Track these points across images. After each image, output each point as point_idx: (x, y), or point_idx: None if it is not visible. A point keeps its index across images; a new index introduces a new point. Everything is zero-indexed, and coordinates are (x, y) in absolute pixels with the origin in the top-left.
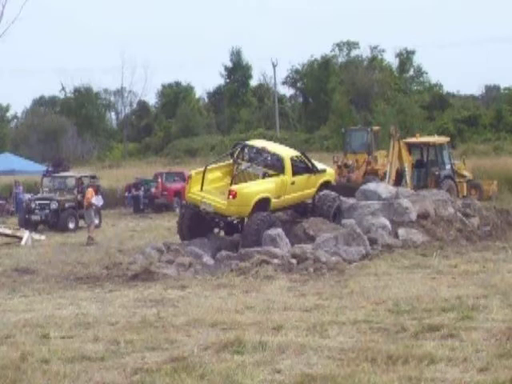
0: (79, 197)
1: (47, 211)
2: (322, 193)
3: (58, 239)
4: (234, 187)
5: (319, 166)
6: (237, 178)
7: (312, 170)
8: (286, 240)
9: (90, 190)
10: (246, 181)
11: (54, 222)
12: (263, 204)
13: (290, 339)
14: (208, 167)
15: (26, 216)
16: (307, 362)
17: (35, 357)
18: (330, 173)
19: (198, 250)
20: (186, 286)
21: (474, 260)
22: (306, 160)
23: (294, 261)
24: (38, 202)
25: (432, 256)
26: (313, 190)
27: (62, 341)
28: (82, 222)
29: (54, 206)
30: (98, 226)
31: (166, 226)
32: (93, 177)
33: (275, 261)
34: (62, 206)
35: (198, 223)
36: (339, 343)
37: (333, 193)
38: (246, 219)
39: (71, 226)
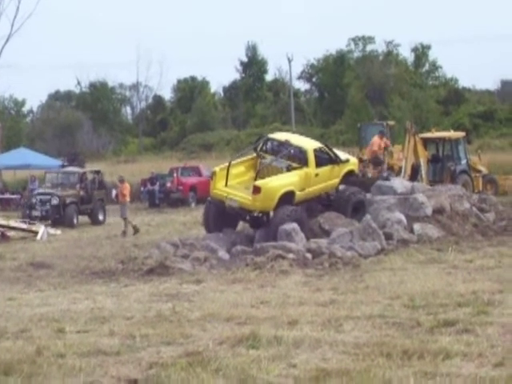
0: (82, 192)
1: (48, 207)
2: (340, 187)
3: (74, 234)
4: (258, 182)
5: (342, 155)
6: (261, 172)
7: (335, 161)
8: (301, 235)
9: (126, 186)
10: (269, 174)
11: (56, 217)
12: (288, 197)
13: (305, 334)
14: (232, 162)
15: (27, 211)
16: (322, 357)
17: (51, 351)
18: (353, 162)
19: (214, 245)
20: (201, 280)
21: (490, 255)
22: (328, 151)
23: (309, 255)
24: (39, 198)
25: (447, 251)
26: (336, 181)
27: (78, 335)
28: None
29: (54, 201)
30: (102, 222)
31: (181, 220)
32: (97, 172)
33: (290, 255)
34: (64, 202)
35: (224, 217)
36: (354, 338)
37: (352, 188)
38: (271, 213)
39: (75, 221)
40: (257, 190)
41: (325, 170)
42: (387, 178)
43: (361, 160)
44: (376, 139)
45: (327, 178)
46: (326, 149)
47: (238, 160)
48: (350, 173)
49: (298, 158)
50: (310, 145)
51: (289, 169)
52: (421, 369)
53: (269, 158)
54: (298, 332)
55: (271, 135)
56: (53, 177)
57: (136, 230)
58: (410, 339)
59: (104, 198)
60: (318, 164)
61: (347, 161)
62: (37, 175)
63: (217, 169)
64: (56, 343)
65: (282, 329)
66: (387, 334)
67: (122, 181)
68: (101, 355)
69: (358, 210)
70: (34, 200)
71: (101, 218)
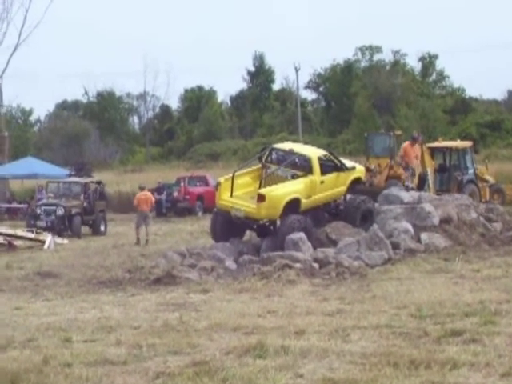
0: (85, 203)
1: (53, 217)
2: (348, 196)
3: (81, 243)
4: (262, 190)
5: (348, 163)
6: (266, 181)
7: (341, 168)
8: (308, 244)
9: (150, 196)
10: (274, 183)
11: (61, 228)
12: (293, 205)
13: (312, 343)
14: (236, 173)
15: (32, 222)
16: (329, 367)
17: (58, 360)
18: (359, 170)
19: (221, 254)
20: (208, 290)
21: (497, 265)
22: (333, 158)
23: (316, 265)
24: (43, 208)
25: (454, 261)
26: (343, 188)
27: (85, 344)
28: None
29: (60, 212)
30: (104, 233)
31: (188, 230)
32: (98, 182)
33: (297, 265)
34: (69, 212)
35: (231, 227)
36: (361, 348)
37: (361, 197)
38: (278, 221)
39: (81, 232)
40: (261, 198)
41: (330, 177)
42: (411, 189)
43: (368, 169)
44: (407, 145)
45: (333, 186)
46: (331, 156)
47: (243, 170)
48: (357, 180)
49: (303, 166)
50: (313, 153)
51: (293, 177)
52: (428, 379)
53: (273, 168)
54: (304, 342)
55: (276, 145)
56: (55, 187)
57: (137, 242)
58: (417, 349)
59: (105, 209)
60: (323, 171)
61: (353, 168)
62: (44, 185)
63: (221, 179)
64: (63, 352)
65: (289, 338)
66: (394, 343)
67: (142, 188)
68: (107, 365)
69: (366, 218)
70: (38, 210)
71: (102, 228)
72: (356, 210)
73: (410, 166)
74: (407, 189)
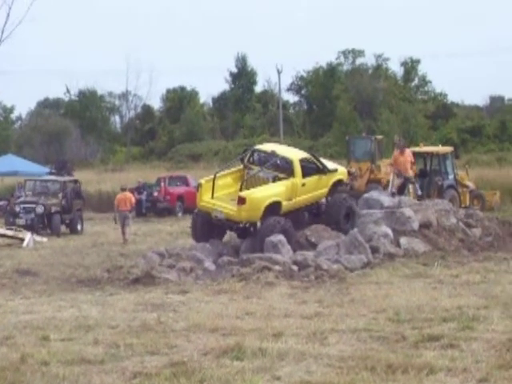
0: (63, 202)
1: (32, 215)
2: (332, 194)
3: (60, 242)
4: (243, 193)
5: (330, 165)
6: (247, 183)
7: (322, 171)
8: (287, 247)
9: (131, 196)
10: (256, 185)
11: (40, 226)
12: (274, 208)
13: (289, 346)
14: (218, 174)
15: (11, 219)
16: (307, 370)
17: (35, 359)
18: (341, 172)
19: (200, 255)
20: (186, 290)
21: (476, 270)
22: (315, 161)
23: (295, 268)
24: (23, 206)
25: (433, 265)
26: (325, 191)
27: (62, 343)
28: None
29: (39, 210)
30: (80, 232)
31: (168, 230)
32: (75, 181)
33: (276, 267)
34: (49, 211)
35: (211, 228)
36: (339, 351)
37: (343, 195)
38: (258, 223)
39: (60, 230)
40: (242, 200)
41: (312, 179)
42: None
43: (349, 173)
44: (396, 154)
45: (315, 188)
46: (313, 158)
47: (225, 172)
48: (339, 182)
49: (285, 168)
50: (295, 155)
51: (275, 179)
52: (405, 383)
53: (255, 169)
54: (282, 344)
55: (257, 146)
56: (33, 185)
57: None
58: (394, 353)
59: (81, 208)
60: (305, 174)
61: (335, 170)
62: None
63: (202, 181)
64: (40, 351)
65: (267, 341)
66: (372, 347)
67: (123, 189)
68: (85, 364)
69: (348, 216)
70: (18, 208)
71: (79, 227)
72: (338, 209)
73: (403, 174)
74: (393, 195)
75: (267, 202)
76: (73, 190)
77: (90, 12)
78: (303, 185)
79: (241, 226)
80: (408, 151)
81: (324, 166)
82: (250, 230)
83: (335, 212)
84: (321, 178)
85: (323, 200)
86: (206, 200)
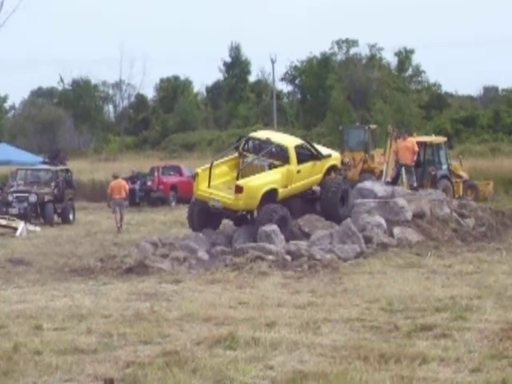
0: (55, 191)
1: (25, 204)
2: (326, 179)
3: (53, 231)
4: (240, 182)
5: (324, 151)
6: (243, 171)
7: (317, 157)
8: (281, 236)
9: (125, 183)
10: (252, 173)
11: (33, 215)
12: (271, 195)
13: (282, 336)
14: (214, 163)
15: (4, 209)
16: (299, 359)
17: (28, 348)
18: (335, 157)
19: (193, 245)
20: (180, 280)
21: (469, 260)
22: (310, 147)
23: (288, 257)
24: (15, 195)
25: (427, 256)
26: (319, 176)
27: (55, 332)
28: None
29: (32, 199)
30: (72, 222)
31: (161, 219)
32: (66, 170)
33: (270, 257)
34: (42, 200)
35: (208, 217)
36: (332, 341)
37: (338, 177)
38: (255, 211)
39: (54, 219)
40: (239, 189)
41: (307, 166)
42: (416, 189)
43: (342, 163)
44: (398, 142)
45: (310, 174)
46: (307, 145)
47: (221, 160)
48: (333, 168)
49: (280, 155)
50: (290, 142)
51: (271, 167)
52: (398, 373)
53: (251, 157)
54: (275, 334)
55: (252, 134)
56: (24, 174)
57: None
58: (387, 343)
59: (73, 198)
60: (300, 160)
61: (329, 156)
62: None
63: (199, 170)
64: (33, 340)
65: (260, 330)
66: (365, 337)
67: (115, 177)
68: (78, 353)
69: (343, 200)
70: (10, 197)
71: (71, 217)
72: (334, 194)
73: (400, 161)
74: (387, 185)
75: (264, 190)
76: (64, 180)
77: (84, 1)
78: (298, 171)
79: (238, 214)
80: (411, 140)
81: (318, 152)
82: (246, 218)
83: (331, 197)
84: (315, 164)
85: (317, 186)
86: (203, 189)
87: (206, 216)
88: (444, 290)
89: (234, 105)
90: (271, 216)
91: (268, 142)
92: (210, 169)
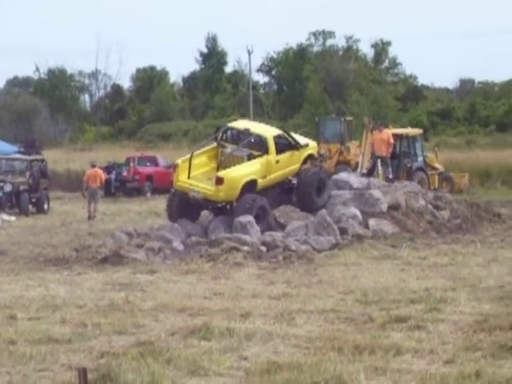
0: (30, 181)
1: (0, 194)
2: (302, 169)
3: (28, 221)
4: (221, 173)
5: (302, 140)
6: (223, 161)
7: (295, 147)
8: (256, 227)
9: (101, 172)
10: (231, 164)
11: (8, 205)
12: (250, 186)
13: (257, 326)
14: (194, 153)
15: None
16: (274, 350)
17: (2, 338)
18: (312, 146)
19: (168, 235)
20: (154, 270)
21: (444, 252)
22: (288, 137)
23: (263, 248)
24: None
25: (402, 247)
26: (297, 166)
27: (29, 322)
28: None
29: (7, 188)
30: (46, 212)
31: (136, 210)
32: (41, 160)
33: (245, 248)
34: (17, 189)
35: (187, 207)
36: (306, 332)
37: (313, 168)
38: (234, 202)
39: (29, 209)
40: (219, 180)
41: (285, 156)
42: (391, 181)
43: (318, 154)
44: (374, 134)
45: (288, 164)
46: (286, 135)
47: (199, 150)
48: (310, 157)
49: (259, 145)
50: (269, 132)
51: (250, 157)
52: (372, 364)
53: (230, 148)
54: (250, 324)
55: (231, 124)
56: None
57: (89, 217)
58: (361, 334)
59: (48, 187)
60: (279, 151)
61: (306, 145)
62: None
63: (179, 161)
64: (7, 330)
65: (235, 321)
66: (339, 328)
67: (93, 165)
68: (52, 343)
69: (320, 189)
70: None
71: (46, 207)
72: (311, 183)
73: (376, 153)
74: (363, 176)
75: (244, 181)
76: (39, 169)
77: None
78: (277, 162)
79: (218, 205)
80: (387, 132)
81: (296, 142)
82: (225, 208)
83: (307, 186)
84: (293, 153)
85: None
86: (182, 180)
87: (185, 207)
88: (419, 282)
89: (211, 95)
90: (250, 206)
91: (247, 132)
92: (190, 160)
